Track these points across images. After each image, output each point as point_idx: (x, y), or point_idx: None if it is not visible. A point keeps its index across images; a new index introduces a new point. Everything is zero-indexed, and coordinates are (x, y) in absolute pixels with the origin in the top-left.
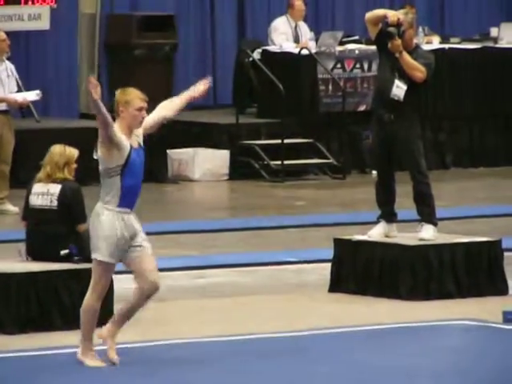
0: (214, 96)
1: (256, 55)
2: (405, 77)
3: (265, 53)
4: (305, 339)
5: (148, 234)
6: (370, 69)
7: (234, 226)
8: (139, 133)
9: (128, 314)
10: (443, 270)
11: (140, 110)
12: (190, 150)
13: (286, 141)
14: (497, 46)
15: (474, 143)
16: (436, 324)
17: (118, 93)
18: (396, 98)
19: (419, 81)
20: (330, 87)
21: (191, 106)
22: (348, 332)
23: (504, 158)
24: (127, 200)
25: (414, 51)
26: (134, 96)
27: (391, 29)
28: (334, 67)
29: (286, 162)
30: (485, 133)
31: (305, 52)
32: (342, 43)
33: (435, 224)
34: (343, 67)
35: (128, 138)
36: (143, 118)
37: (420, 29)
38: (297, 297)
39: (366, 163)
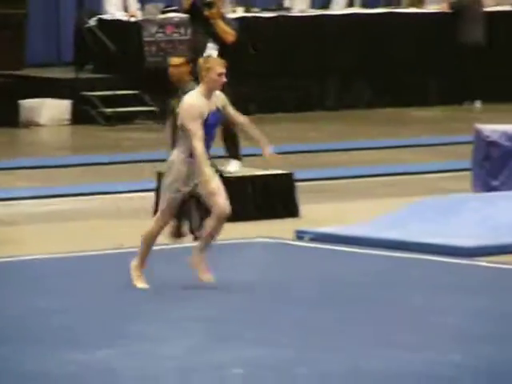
0: (58, 55)
1: (93, 22)
2: (217, 39)
3: (100, 20)
4: (131, 255)
5: (3, 169)
6: (186, 33)
7: (75, 162)
8: (219, 96)
9: (208, 240)
10: (246, 198)
11: (220, 75)
12: (38, 100)
13: (117, 92)
14: (289, 14)
15: (272, 95)
16: (240, 242)
17: (200, 60)
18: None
19: (230, 43)
20: (154, 48)
21: (38, 63)
22: (167, 249)
23: (294, 106)
24: None
25: (223, 19)
26: (214, 63)
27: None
28: (157, 32)
29: (117, 110)
30: (276, 86)
31: (133, 19)
32: (163, 12)
33: (240, 159)
34: (164, 32)
35: (207, 100)
36: (223, 82)
37: (227, 0)
38: (127, 221)
39: None
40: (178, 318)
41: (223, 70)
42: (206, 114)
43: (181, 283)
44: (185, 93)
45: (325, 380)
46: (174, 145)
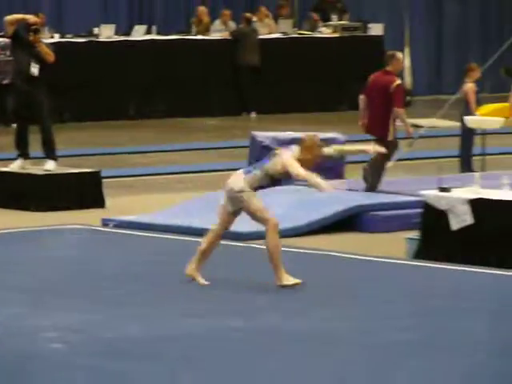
0: None
1: None
2: (39, 59)
3: None
4: None
5: None
6: (11, 55)
7: None
8: None
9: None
10: (62, 191)
11: (317, 157)
12: None
13: None
14: (98, 40)
15: (83, 106)
16: (56, 228)
17: (307, 137)
18: (33, 75)
19: (51, 62)
20: None
21: None
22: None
23: (102, 115)
24: None
25: (42, 43)
26: (314, 143)
27: (34, 26)
28: None
29: None
30: (86, 98)
31: None
32: None
33: (56, 160)
34: None
35: None
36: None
37: (46, 27)
38: None
39: (10, 119)
40: (2, 288)
41: (321, 155)
42: None
43: (10, 261)
44: None
45: (129, 343)
46: None
